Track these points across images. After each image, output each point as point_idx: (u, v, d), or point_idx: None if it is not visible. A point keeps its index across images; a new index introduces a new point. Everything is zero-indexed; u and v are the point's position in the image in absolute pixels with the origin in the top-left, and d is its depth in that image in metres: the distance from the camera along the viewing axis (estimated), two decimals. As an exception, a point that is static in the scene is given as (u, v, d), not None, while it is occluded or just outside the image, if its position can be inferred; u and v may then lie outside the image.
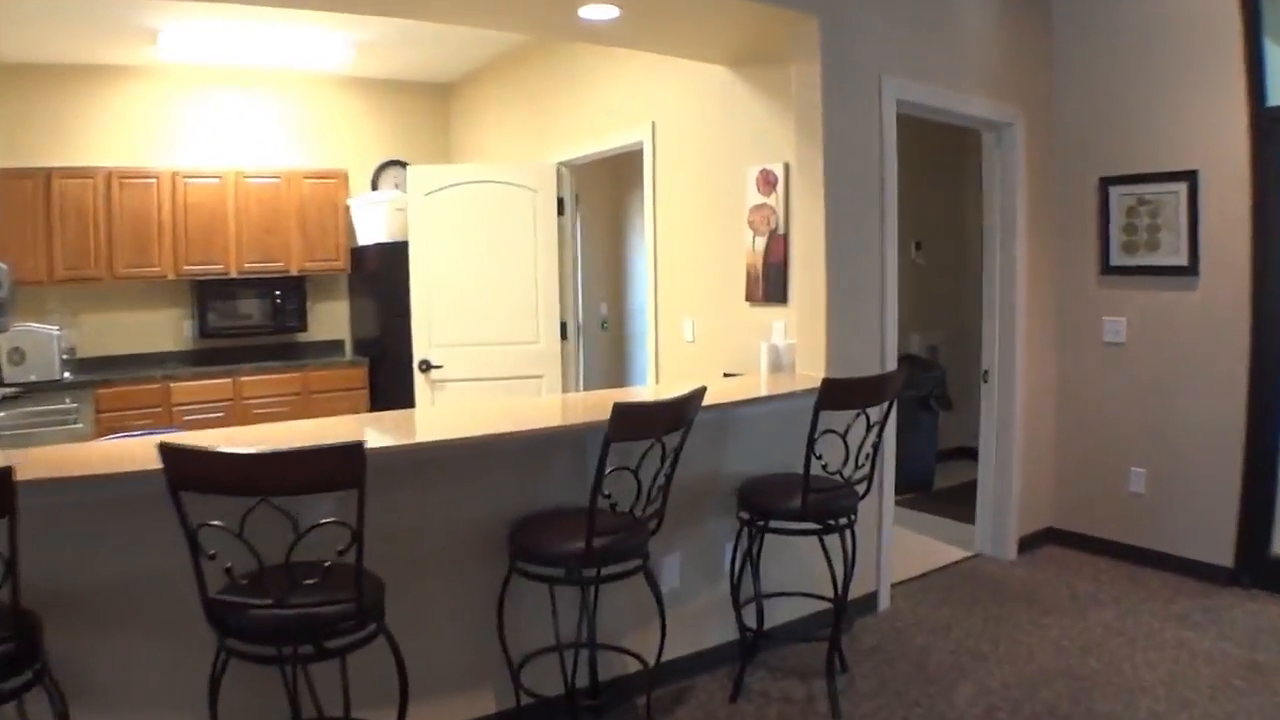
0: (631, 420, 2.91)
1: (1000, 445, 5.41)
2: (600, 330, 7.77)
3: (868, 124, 4.49)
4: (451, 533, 3.26)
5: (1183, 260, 5.06)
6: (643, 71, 5.62)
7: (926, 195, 7.36)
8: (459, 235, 6.43)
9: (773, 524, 3.62)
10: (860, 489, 3.70)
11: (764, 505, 3.63)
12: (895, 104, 4.58)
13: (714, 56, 4.98)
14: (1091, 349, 5.49)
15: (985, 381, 5.43)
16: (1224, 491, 5.01)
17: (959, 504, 6.22)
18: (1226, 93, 4.88)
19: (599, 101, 6.13)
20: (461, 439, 3.13)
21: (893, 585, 4.93)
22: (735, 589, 3.85)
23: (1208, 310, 5.01)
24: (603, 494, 2.91)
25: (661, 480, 3.15)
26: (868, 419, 3.61)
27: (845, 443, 3.56)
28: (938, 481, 7.03)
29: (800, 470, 3.54)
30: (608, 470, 2.89)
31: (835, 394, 3.46)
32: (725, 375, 4.93)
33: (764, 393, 3.94)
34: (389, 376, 7.29)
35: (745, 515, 3.72)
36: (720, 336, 5.15)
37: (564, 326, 6.59)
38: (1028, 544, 5.57)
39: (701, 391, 3.17)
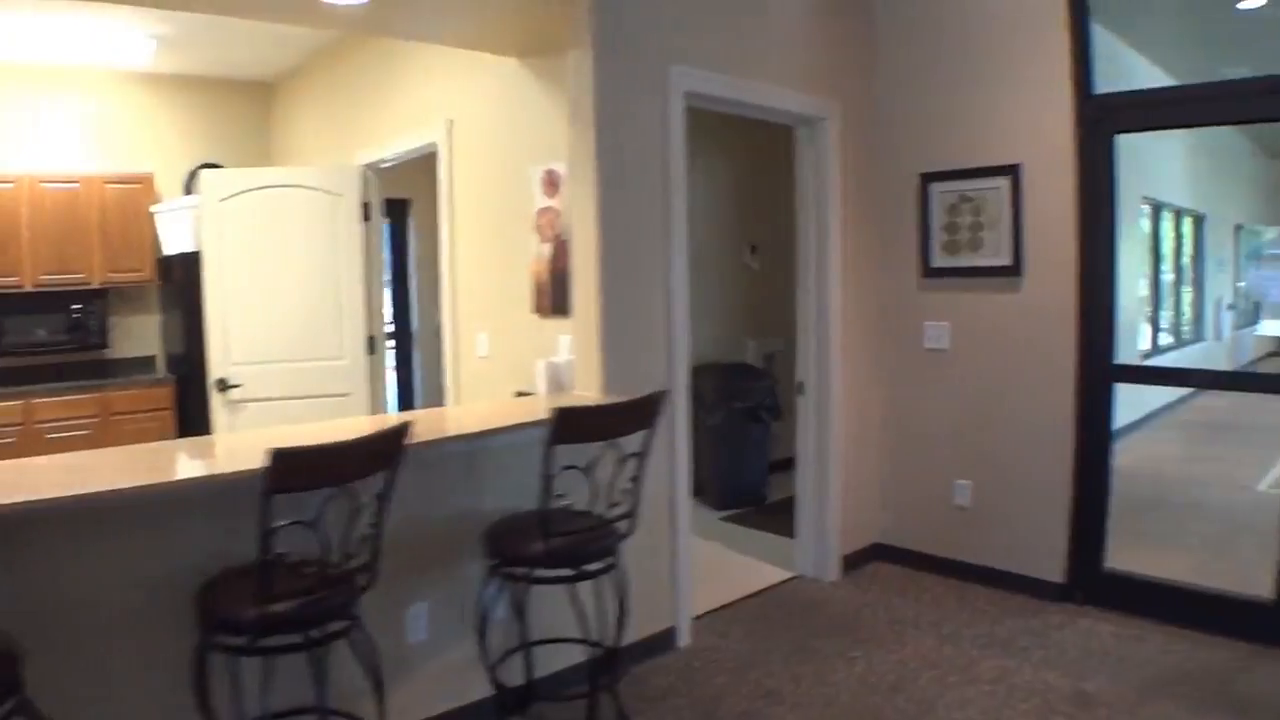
0: (298, 468, 2.46)
1: (818, 461, 5.07)
2: (436, 340, 7.31)
3: (651, 118, 4.09)
4: (128, 596, 2.75)
5: (1006, 260, 4.78)
6: (441, 67, 5.19)
7: (763, 195, 7.04)
8: (257, 244, 5.90)
9: (517, 571, 3.21)
10: (623, 527, 3.30)
11: (508, 550, 3.21)
12: (683, 97, 4.19)
13: (490, 46, 4.57)
14: (914, 356, 5.18)
15: (801, 393, 5.07)
16: (1054, 503, 4.75)
17: (792, 517, 5.85)
18: (1051, 82, 4.63)
19: (402, 100, 5.68)
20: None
21: (702, 615, 4.60)
22: (483, 640, 3.40)
23: (1033, 312, 4.74)
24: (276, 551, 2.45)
25: (367, 530, 2.71)
26: (621, 450, 3.21)
27: (594, 478, 3.16)
28: (772, 494, 6.68)
29: (561, 507, 3.17)
30: (277, 524, 2.43)
31: (571, 426, 3.05)
32: (518, 394, 4.52)
33: (517, 420, 3.51)
34: (197, 396, 6.74)
35: (492, 561, 3.30)
36: (513, 352, 4.74)
37: (371, 340, 6.12)
38: (853, 562, 5.24)
39: (402, 429, 2.73)
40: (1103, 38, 8.20)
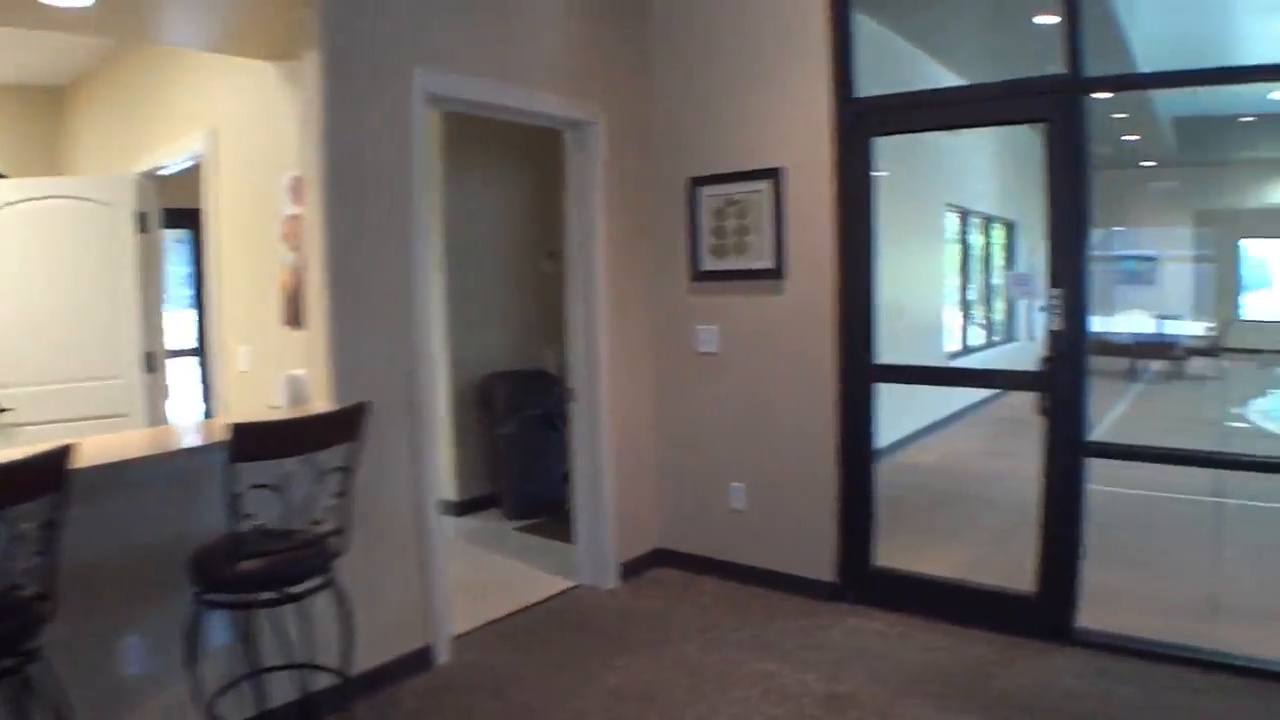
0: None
1: (591, 468, 5.02)
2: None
3: (391, 122, 3.97)
4: None
5: (769, 263, 4.81)
6: (206, 73, 4.96)
7: (561, 201, 6.95)
8: (27, 258, 5.57)
9: (219, 597, 3.04)
10: (333, 544, 3.17)
11: (207, 575, 3.03)
12: (427, 100, 4.07)
13: (236, 49, 4.37)
14: (686, 360, 5.18)
15: (573, 400, 5.00)
16: (822, 504, 4.80)
17: (584, 526, 5.80)
18: (812, 85, 4.68)
19: (174, 107, 5.41)
20: None
21: (471, 631, 4.50)
22: (194, 673, 3.20)
23: (796, 314, 4.78)
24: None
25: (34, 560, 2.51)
26: (321, 465, 3.07)
27: (287, 497, 3.03)
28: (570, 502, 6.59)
29: (272, 526, 3.07)
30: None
31: (253, 442, 2.91)
32: (272, 408, 4.33)
33: (215, 440, 3.30)
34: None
35: (195, 587, 3.12)
36: (270, 364, 4.53)
37: (150, 357, 5.82)
38: (634, 568, 5.22)
39: (60, 453, 2.53)
40: (900, 45, 8.43)
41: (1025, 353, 11.65)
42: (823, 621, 4.57)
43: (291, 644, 3.53)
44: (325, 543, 3.16)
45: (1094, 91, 4.13)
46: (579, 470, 5.06)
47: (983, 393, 9.04)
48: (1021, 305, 12.25)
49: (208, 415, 6.01)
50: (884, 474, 7.84)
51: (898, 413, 8.24)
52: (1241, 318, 17.20)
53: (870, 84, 4.66)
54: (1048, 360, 4.18)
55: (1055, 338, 4.16)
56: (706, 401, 5.14)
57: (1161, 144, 15.29)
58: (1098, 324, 16.77)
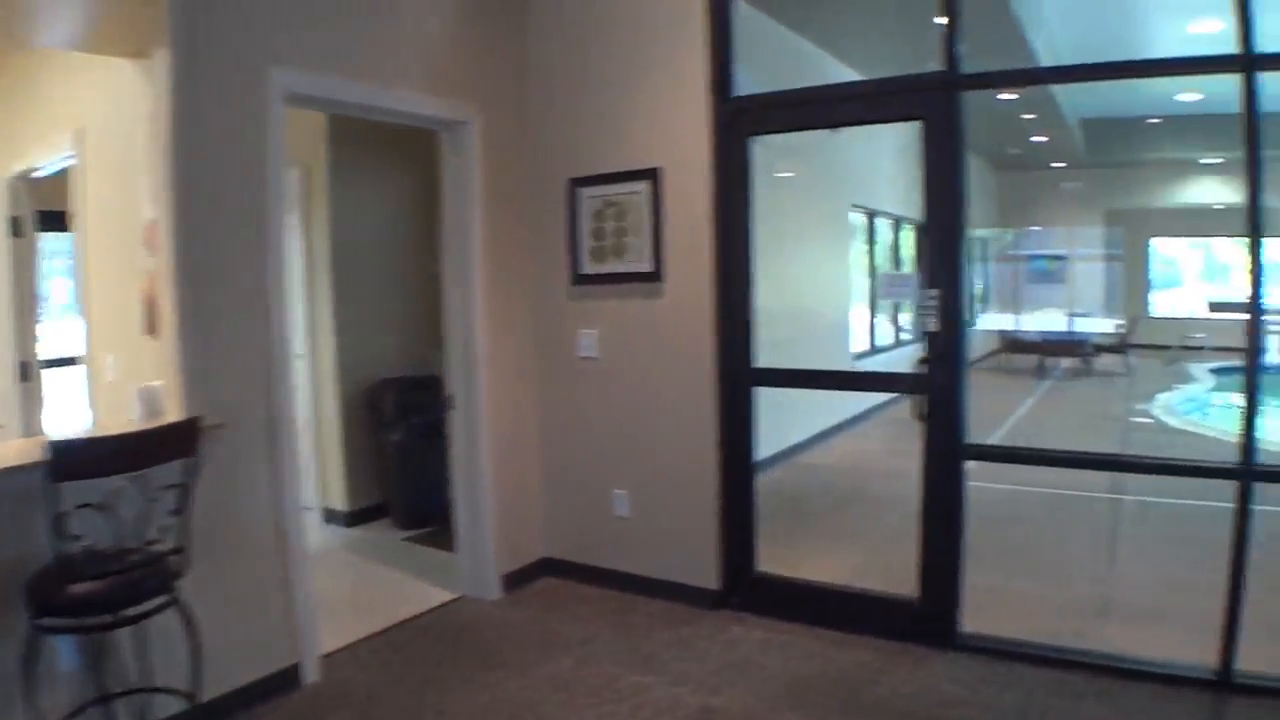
0: None
1: (470, 476, 4.87)
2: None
3: (246, 122, 3.77)
4: None
5: (648, 266, 4.70)
6: (75, 72, 4.73)
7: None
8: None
9: (49, 622, 2.85)
10: (174, 564, 3.00)
11: (38, 600, 2.85)
12: (285, 100, 3.88)
13: (94, 47, 4.17)
14: (568, 365, 5.06)
15: (452, 407, 4.86)
16: (704, 510, 4.71)
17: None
18: (690, 84, 4.57)
19: (46, 106, 5.16)
20: None
21: (345, 648, 4.33)
22: (30, 698, 3.00)
23: (675, 318, 4.68)
24: None
25: None
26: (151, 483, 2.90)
27: (116, 516, 2.85)
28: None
29: (105, 547, 2.89)
30: None
31: (73, 461, 2.74)
32: (129, 421, 4.13)
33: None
34: None
35: (28, 612, 2.93)
36: (134, 375, 4.32)
37: (25, 366, 5.58)
38: (520, 579, 5.08)
39: None
40: (805, 47, 8.41)
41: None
42: (704, 631, 4.47)
43: (148, 668, 3.34)
44: (164, 562, 2.99)
45: (970, 88, 4.06)
46: (458, 479, 4.91)
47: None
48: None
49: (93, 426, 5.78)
50: (789, 475, 7.90)
51: (805, 414, 8.24)
52: (1151, 315, 17.56)
53: (772, 85, 4.58)
54: (924, 362, 4.13)
55: (933, 339, 4.11)
56: (589, 407, 5.02)
57: (1071, 145, 15.53)
58: (1008, 323, 17.08)
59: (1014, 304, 17.48)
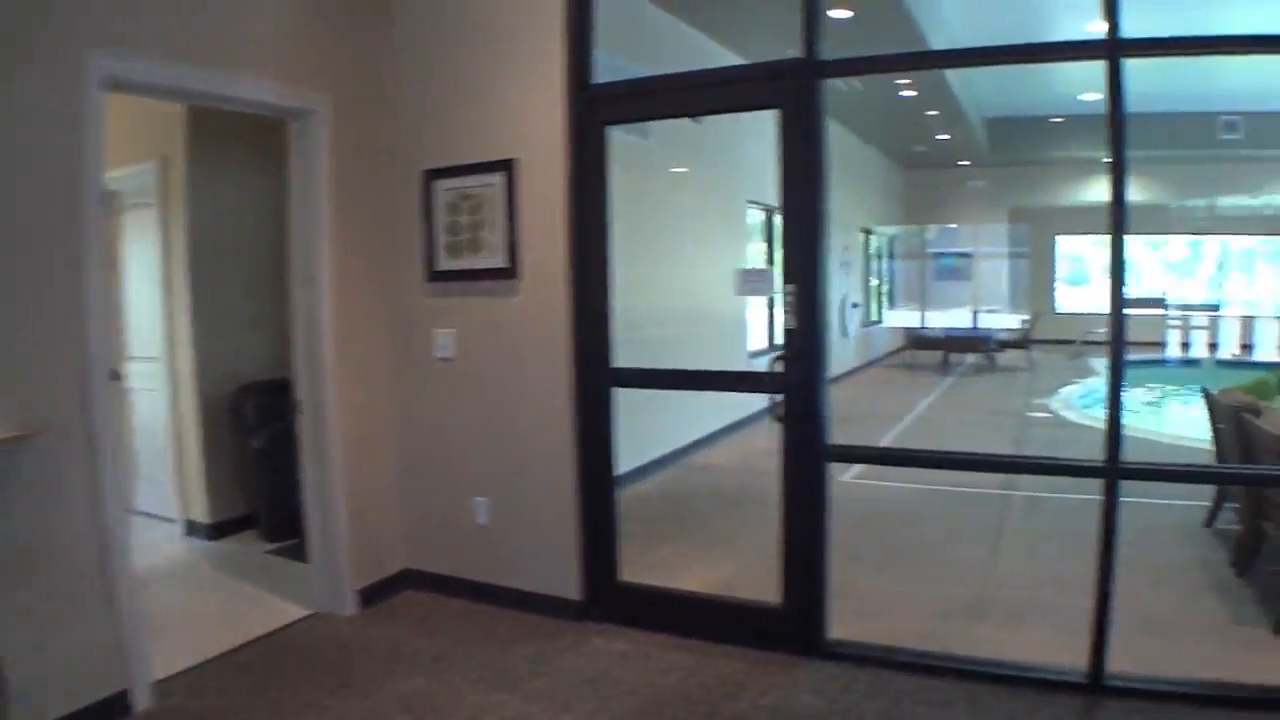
0: None
1: (320, 486, 4.62)
2: None
3: (59, 109, 3.45)
4: None
5: (503, 262, 4.50)
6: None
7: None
8: None
9: None
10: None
11: None
12: (105, 85, 3.55)
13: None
14: (424, 366, 4.83)
15: (300, 413, 4.60)
16: (564, 517, 4.52)
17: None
18: (547, 71, 4.38)
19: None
20: None
21: (190, 668, 4.05)
22: None
23: (531, 317, 4.49)
24: None
25: None
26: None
27: None
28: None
29: None
30: None
31: None
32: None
33: None
34: None
35: None
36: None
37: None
38: (380, 592, 4.83)
39: None
40: (698, 39, 8.26)
41: (839, 350, 11.66)
42: (564, 644, 4.28)
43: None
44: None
45: (829, 76, 3.91)
46: (308, 489, 4.65)
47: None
48: (833, 304, 12.29)
49: None
50: (679, 476, 7.75)
51: (694, 413, 8.09)
52: (1057, 311, 17.81)
53: (653, 73, 4.40)
54: (779, 360, 3.98)
55: (789, 337, 3.96)
56: (447, 411, 4.79)
57: (975, 144, 15.66)
58: (914, 320, 17.21)
59: (921, 301, 17.61)
